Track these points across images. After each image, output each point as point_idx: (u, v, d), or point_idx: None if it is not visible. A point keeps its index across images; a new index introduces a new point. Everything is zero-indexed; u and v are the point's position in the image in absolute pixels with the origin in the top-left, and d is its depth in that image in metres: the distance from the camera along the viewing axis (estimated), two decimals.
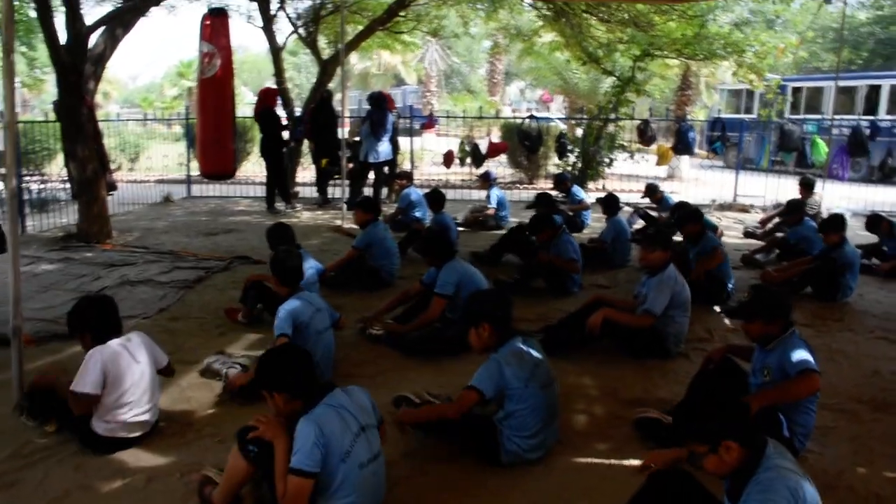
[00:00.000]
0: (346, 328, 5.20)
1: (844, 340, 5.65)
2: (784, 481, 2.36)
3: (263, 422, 2.91)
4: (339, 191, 13.15)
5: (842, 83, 21.99)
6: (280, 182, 11.73)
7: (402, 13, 12.94)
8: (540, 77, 21.90)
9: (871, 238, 8.59)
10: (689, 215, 6.90)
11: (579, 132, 16.83)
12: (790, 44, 12.72)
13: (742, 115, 21.41)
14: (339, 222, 10.52)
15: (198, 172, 15.09)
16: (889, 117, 18.94)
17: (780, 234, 9.04)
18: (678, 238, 7.04)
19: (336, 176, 12.69)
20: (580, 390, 4.55)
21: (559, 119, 19.56)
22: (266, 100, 11.49)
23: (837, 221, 7.04)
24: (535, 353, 3.60)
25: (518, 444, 3.50)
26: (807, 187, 10.16)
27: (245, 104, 25.71)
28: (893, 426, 4.22)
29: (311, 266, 5.54)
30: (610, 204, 8.32)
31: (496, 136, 17.08)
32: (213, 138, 9.10)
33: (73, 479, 3.40)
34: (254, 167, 14.94)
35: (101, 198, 8.96)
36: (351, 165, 11.77)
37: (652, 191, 10.03)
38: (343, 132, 12.38)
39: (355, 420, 2.87)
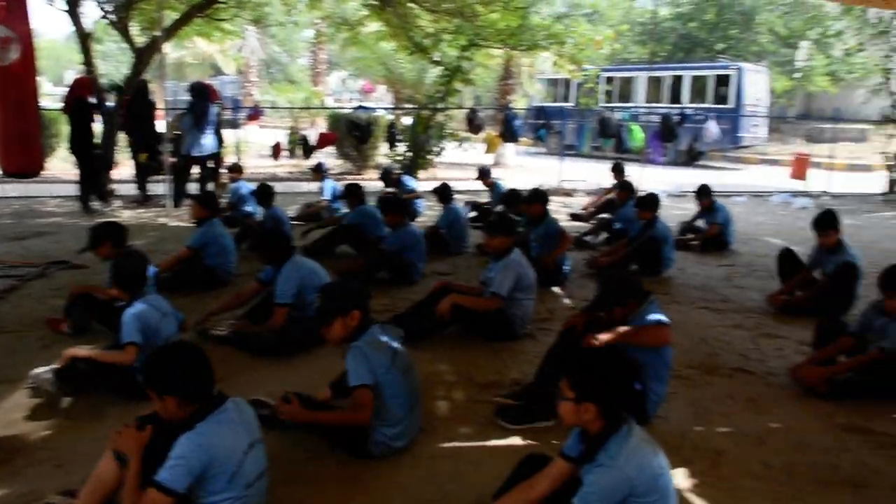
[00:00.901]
0: (186, 331, 4.89)
1: (673, 312, 5.98)
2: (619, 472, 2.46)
3: (124, 434, 2.66)
4: (160, 187, 12.48)
5: (649, 74, 23.79)
6: (95, 179, 10.90)
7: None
8: (364, 67, 21.80)
9: (686, 216, 9.30)
10: (533, 196, 7.08)
11: (406, 122, 16.97)
12: (607, 36, 13.43)
13: (562, 104, 22.45)
14: (163, 220, 9.95)
15: None
16: (692, 105, 20.57)
17: (605, 216, 9.55)
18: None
19: (157, 171, 11.98)
20: (437, 377, 4.56)
21: (386, 109, 19.53)
22: (79, 90, 10.61)
23: (652, 200, 7.54)
24: (392, 342, 3.55)
25: (384, 434, 3.44)
26: (618, 172, 10.82)
27: (45, 95, 23.57)
28: (722, 387, 4.60)
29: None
30: (444, 193, 8.45)
31: (322, 127, 16.84)
32: (16, 133, 8.28)
33: None
34: (62, 164, 13.75)
35: None
36: (173, 160, 11.14)
37: (484, 174, 10.24)
38: (162, 124, 11.71)
39: (246, 435, 2.69)
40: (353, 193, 7.95)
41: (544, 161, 15.42)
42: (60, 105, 11.54)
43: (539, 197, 7.06)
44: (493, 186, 10.13)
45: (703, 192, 8.86)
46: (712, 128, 15.30)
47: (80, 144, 10.62)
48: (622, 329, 3.74)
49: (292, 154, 12.72)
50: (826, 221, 6.11)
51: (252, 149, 18.00)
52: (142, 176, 11.73)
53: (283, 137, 15.64)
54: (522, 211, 7.57)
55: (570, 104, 22.67)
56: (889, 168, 14.84)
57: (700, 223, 9.01)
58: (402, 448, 3.53)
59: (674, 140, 13.85)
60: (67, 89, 10.90)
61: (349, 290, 3.57)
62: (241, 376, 4.48)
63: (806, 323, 5.84)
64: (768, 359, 5.14)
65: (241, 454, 2.62)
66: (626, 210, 8.66)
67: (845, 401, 4.31)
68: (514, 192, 7.71)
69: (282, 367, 4.65)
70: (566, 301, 6.38)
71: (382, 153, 15.21)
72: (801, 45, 22.52)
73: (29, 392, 4.10)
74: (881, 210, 13.29)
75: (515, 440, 3.74)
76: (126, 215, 10.53)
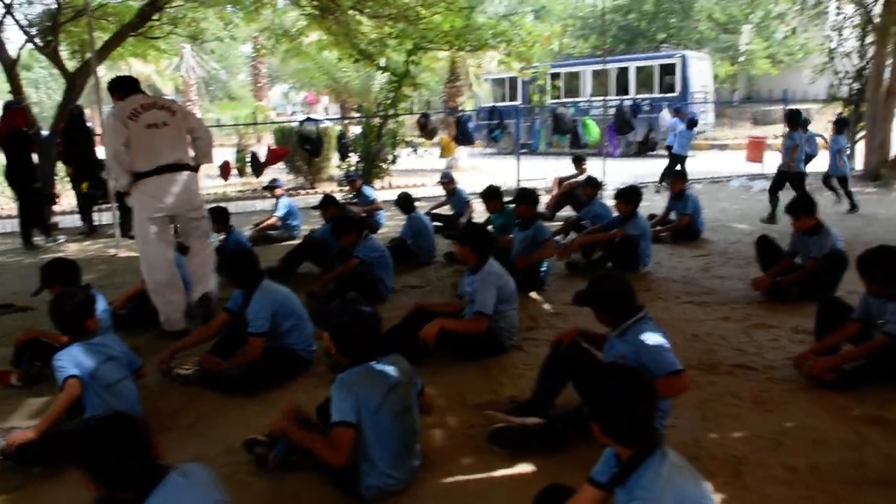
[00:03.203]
0: (147, 375, 4.47)
1: (658, 309, 5.79)
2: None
3: None
4: (105, 216, 11.92)
5: (594, 67, 23.80)
6: (37, 213, 10.32)
7: (155, 17, 11.87)
8: (308, 78, 21.34)
9: (651, 207, 9.14)
10: (525, 197, 6.80)
11: (355, 131, 16.61)
12: (554, 31, 13.27)
13: (509, 103, 22.31)
14: (112, 251, 9.43)
15: None
16: (639, 96, 20.60)
17: (572, 215, 9.34)
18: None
19: (100, 200, 11.42)
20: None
21: (333, 119, 19.14)
22: (12, 119, 10.01)
23: (633, 193, 7.33)
24: (391, 374, 3.19)
25: (378, 481, 3.10)
26: (578, 162, 10.68)
27: None
28: (725, 385, 4.37)
29: (102, 309, 4.71)
30: (406, 202, 8.15)
31: (268, 143, 16.40)
32: None
33: None
34: None
35: None
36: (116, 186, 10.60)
37: (447, 179, 9.92)
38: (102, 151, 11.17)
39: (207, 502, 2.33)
40: (329, 203, 7.72)
41: (498, 161, 15.11)
42: None
43: (527, 198, 6.79)
44: (453, 192, 9.84)
45: (680, 176, 8.78)
46: (667, 117, 15.26)
47: (19, 176, 10.03)
48: None
49: (241, 173, 12.24)
50: (800, 207, 5.97)
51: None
52: (85, 206, 11.18)
53: (230, 156, 15.17)
54: (493, 210, 7.57)
55: (517, 103, 22.56)
56: None
57: (672, 215, 8.87)
58: (400, 490, 3.20)
59: (629, 132, 13.75)
60: None
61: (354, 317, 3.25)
62: (212, 419, 4.09)
63: (795, 309, 5.73)
64: (765, 350, 4.93)
65: None
66: (594, 207, 8.47)
67: (856, 391, 4.11)
68: (525, 191, 7.40)
69: (255, 405, 4.25)
70: (546, 307, 6.11)
71: (334, 165, 14.83)
72: (744, 30, 22.75)
73: None
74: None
75: (523, 468, 3.43)
76: (72, 248, 10.00)
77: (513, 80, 25.22)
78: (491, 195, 7.84)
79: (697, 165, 15.79)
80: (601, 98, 14.80)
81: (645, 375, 2.43)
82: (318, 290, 6.25)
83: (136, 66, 26.06)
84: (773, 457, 3.48)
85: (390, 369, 3.18)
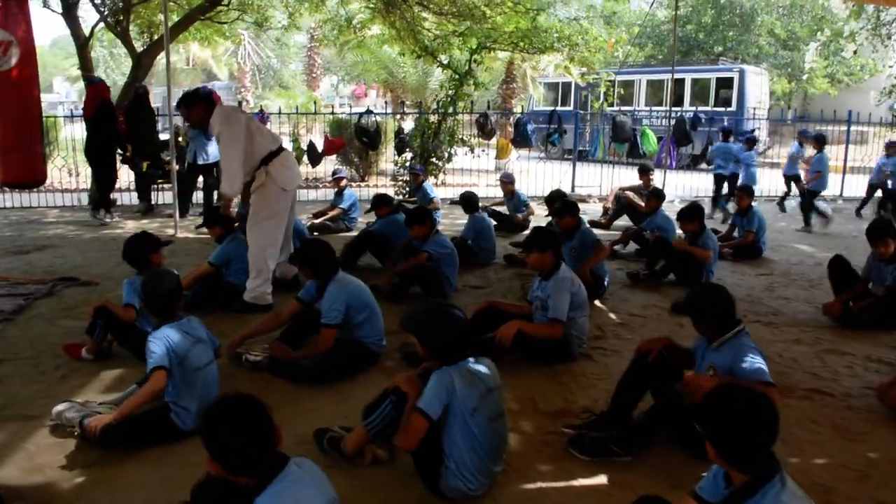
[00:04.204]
0: (220, 357, 4.48)
1: None
2: None
3: None
4: (162, 196, 12.07)
5: (650, 77, 23.55)
6: (104, 190, 10.53)
7: (224, 2, 11.99)
8: (364, 71, 21.41)
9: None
10: (566, 208, 6.75)
11: (406, 126, 16.60)
12: (621, 39, 13.13)
13: (564, 108, 22.18)
14: (170, 231, 9.54)
15: None
16: (692, 108, 20.33)
17: (631, 226, 9.21)
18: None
19: (160, 180, 11.59)
20: None
21: (392, 114, 19.11)
22: (102, 92, 10.20)
23: (696, 210, 7.21)
24: (486, 377, 3.14)
25: (462, 483, 3.06)
26: (644, 172, 10.54)
27: None
28: (803, 410, 4.26)
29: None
30: (470, 201, 8.07)
31: (319, 133, 16.48)
32: (17, 142, 7.87)
33: None
34: (59, 173, 13.30)
35: None
36: (176, 167, 10.73)
37: (508, 180, 9.84)
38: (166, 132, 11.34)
39: (320, 496, 2.31)
40: (383, 202, 7.64)
41: (549, 166, 14.90)
42: (79, 111, 11.16)
43: (570, 208, 6.73)
44: (512, 194, 9.77)
45: (746, 192, 8.62)
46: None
47: (101, 152, 10.26)
48: (717, 378, 3.34)
49: (298, 160, 12.29)
50: (882, 230, 5.81)
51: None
52: (144, 185, 11.32)
53: (286, 144, 15.26)
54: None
55: (568, 108, 22.40)
56: None
57: (735, 233, 8.74)
58: (482, 494, 3.16)
59: (687, 144, 13.56)
60: (86, 96, 10.47)
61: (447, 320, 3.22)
62: (283, 408, 4.07)
63: (867, 337, 5.58)
64: (841, 377, 4.81)
65: None
66: (656, 218, 8.33)
67: None
68: (566, 202, 7.35)
69: (327, 396, 4.25)
70: (612, 316, 6.03)
71: (387, 159, 14.86)
72: (809, 48, 22.33)
73: (52, 430, 3.73)
74: None
75: (602, 478, 3.38)
76: (130, 226, 10.12)
77: (565, 85, 25.07)
78: (557, 199, 7.79)
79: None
80: (664, 108, 14.60)
81: (770, 400, 2.34)
82: (382, 284, 6.22)
83: (193, 50, 26.45)
84: (862, 489, 3.38)
85: (486, 372, 3.14)
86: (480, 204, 8.45)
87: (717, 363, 3.38)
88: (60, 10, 11.16)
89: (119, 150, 10.65)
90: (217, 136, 6.05)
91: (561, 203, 7.18)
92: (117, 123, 10.36)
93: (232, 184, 5.85)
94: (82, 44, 11.47)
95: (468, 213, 8.04)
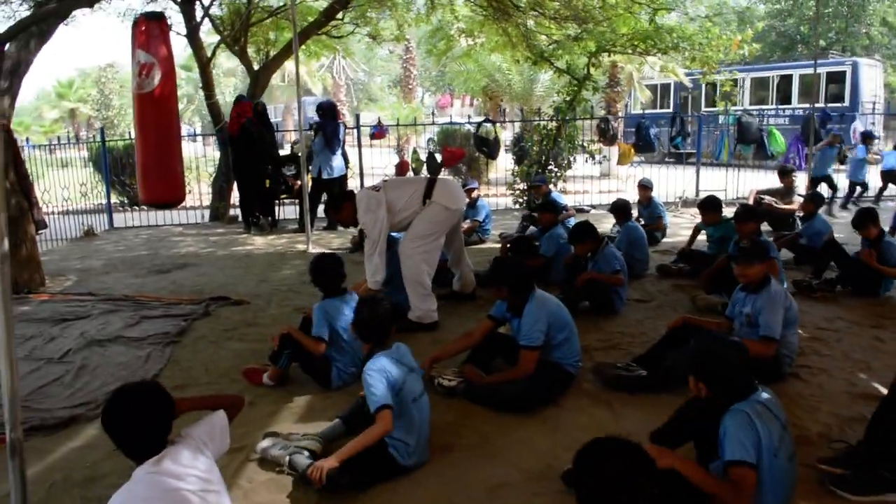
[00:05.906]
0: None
1: None
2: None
3: None
4: (283, 211, 12.11)
5: (754, 74, 22.69)
6: (251, 204, 10.89)
7: (339, 16, 11.97)
8: (466, 80, 21.20)
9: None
10: (746, 213, 6.33)
11: (507, 135, 16.32)
12: (746, 37, 12.53)
13: (664, 111, 21.57)
14: (301, 247, 9.48)
15: (127, 200, 13.82)
16: (801, 106, 19.44)
17: (785, 233, 8.65)
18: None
19: (283, 196, 11.62)
20: None
21: (511, 122, 18.80)
22: (245, 112, 10.38)
23: (872, 214, 6.67)
24: (776, 407, 2.80)
25: None
26: (785, 175, 9.98)
27: None
28: None
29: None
30: (623, 209, 7.66)
31: (420, 145, 16.38)
32: (158, 162, 7.93)
33: None
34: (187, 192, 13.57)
35: (31, 238, 7.65)
36: (299, 183, 10.72)
37: (646, 187, 9.40)
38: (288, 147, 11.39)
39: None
40: (548, 210, 7.60)
41: (658, 171, 14.26)
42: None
43: (753, 215, 6.36)
44: (649, 201, 9.32)
45: None
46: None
47: (247, 169, 10.60)
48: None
49: (416, 173, 12.15)
50: None
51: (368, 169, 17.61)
52: (267, 200, 11.36)
53: (388, 157, 15.26)
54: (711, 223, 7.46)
55: (667, 110, 21.73)
56: None
57: None
58: None
59: (818, 143, 12.84)
60: (230, 116, 10.67)
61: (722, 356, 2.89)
62: (496, 439, 3.79)
63: None
64: None
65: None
66: (815, 223, 7.81)
67: None
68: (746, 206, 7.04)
69: (536, 425, 3.93)
70: (799, 331, 5.55)
71: (506, 169, 14.60)
72: None
73: (261, 464, 3.57)
74: None
75: None
76: (259, 242, 10.15)
77: (664, 87, 24.38)
78: (709, 205, 7.39)
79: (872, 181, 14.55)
80: (789, 107, 13.93)
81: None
82: None
83: (288, 66, 26.67)
84: None
85: (775, 401, 2.79)
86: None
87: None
88: (185, 32, 11.31)
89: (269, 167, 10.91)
90: (363, 225, 5.98)
91: (707, 197, 7.45)
92: (265, 140, 10.49)
93: (374, 276, 5.73)
94: (204, 64, 11.60)
95: (621, 222, 7.65)
